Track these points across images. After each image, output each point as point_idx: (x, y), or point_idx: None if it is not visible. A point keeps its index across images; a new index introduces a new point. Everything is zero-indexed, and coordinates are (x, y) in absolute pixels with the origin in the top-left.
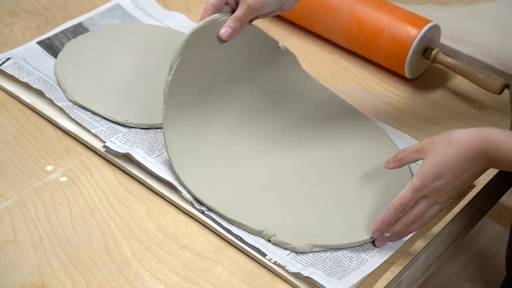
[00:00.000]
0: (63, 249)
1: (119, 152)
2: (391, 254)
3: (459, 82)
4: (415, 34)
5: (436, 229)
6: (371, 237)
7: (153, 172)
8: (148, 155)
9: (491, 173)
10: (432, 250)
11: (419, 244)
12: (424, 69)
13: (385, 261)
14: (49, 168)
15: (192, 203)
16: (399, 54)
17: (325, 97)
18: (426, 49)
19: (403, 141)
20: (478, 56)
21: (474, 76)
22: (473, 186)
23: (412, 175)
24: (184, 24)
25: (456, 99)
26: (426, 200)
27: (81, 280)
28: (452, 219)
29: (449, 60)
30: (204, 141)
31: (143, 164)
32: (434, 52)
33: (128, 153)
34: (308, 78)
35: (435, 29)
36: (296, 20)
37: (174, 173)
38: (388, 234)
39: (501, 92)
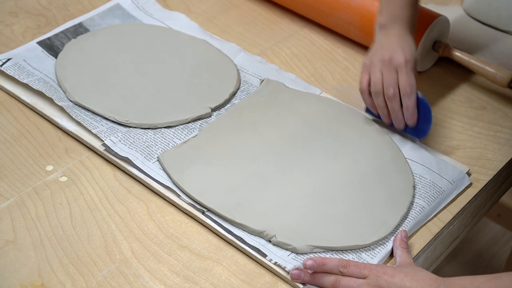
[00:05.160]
0: (63, 249)
1: (118, 154)
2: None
3: (459, 82)
4: (425, 26)
5: (436, 229)
6: (372, 241)
7: (153, 178)
8: (148, 160)
9: (491, 173)
10: (432, 250)
11: (419, 244)
12: (433, 62)
13: (385, 261)
14: (49, 168)
15: (192, 204)
16: None
17: (323, 103)
18: (435, 42)
19: (404, 141)
20: (478, 56)
21: (483, 69)
22: (472, 186)
23: (414, 178)
24: (184, 24)
25: (456, 98)
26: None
27: (81, 280)
28: (452, 218)
29: (457, 53)
30: (201, 144)
31: (142, 170)
32: (443, 45)
33: (127, 158)
34: (301, 93)
35: (445, 23)
36: (304, 12)
37: (173, 180)
38: (308, 273)
39: (509, 85)
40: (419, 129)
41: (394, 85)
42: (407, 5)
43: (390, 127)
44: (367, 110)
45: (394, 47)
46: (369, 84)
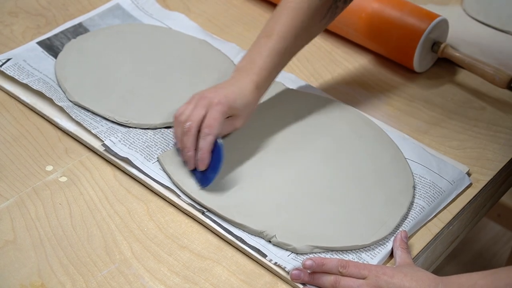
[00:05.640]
0: (63, 249)
1: (118, 155)
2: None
3: (459, 82)
4: (424, 27)
5: (436, 229)
6: (372, 241)
7: (153, 178)
8: (148, 160)
9: (491, 173)
10: (432, 250)
11: (419, 244)
12: (432, 63)
13: (385, 262)
14: (49, 168)
15: (192, 204)
16: (408, 47)
17: (323, 103)
18: (434, 43)
19: (403, 141)
20: (478, 56)
21: (482, 70)
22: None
23: (414, 178)
24: (184, 24)
25: (456, 99)
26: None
27: (81, 280)
28: (452, 218)
29: (457, 54)
30: None
31: (142, 170)
32: (442, 46)
33: (127, 158)
34: (301, 93)
35: (444, 24)
36: None
37: (172, 180)
38: (308, 273)
39: (508, 86)
40: (205, 177)
41: (194, 120)
42: (268, 57)
43: (391, 127)
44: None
45: (223, 89)
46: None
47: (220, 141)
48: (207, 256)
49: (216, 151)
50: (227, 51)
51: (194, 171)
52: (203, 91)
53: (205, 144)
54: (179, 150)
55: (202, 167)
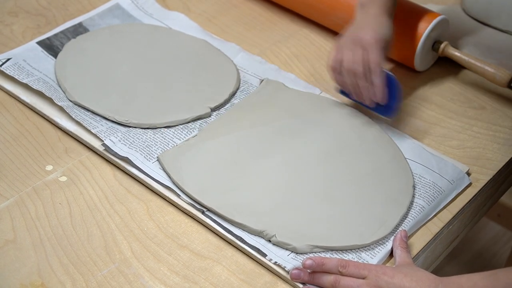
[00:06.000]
0: (63, 249)
1: (118, 154)
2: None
3: (459, 81)
4: (426, 25)
5: (436, 228)
6: (372, 240)
7: (153, 178)
8: (147, 159)
9: (490, 172)
10: (431, 250)
11: (419, 244)
12: (432, 62)
13: (385, 261)
14: (49, 168)
15: (192, 203)
16: (409, 46)
17: (323, 103)
18: (435, 42)
19: (403, 141)
20: (478, 56)
21: (482, 69)
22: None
23: (413, 178)
24: (184, 24)
25: (456, 98)
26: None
27: (81, 279)
28: (452, 218)
29: (457, 53)
30: (201, 144)
31: (142, 170)
32: (442, 45)
33: (127, 157)
34: (301, 93)
35: (445, 23)
36: (304, 12)
37: (172, 180)
38: (308, 273)
39: (508, 85)
40: (388, 108)
41: (361, 63)
42: None
43: (391, 127)
44: (341, 91)
45: (366, 27)
46: (339, 63)
47: (389, 73)
48: (207, 255)
49: (389, 82)
50: (227, 51)
51: (373, 108)
52: (345, 36)
53: (379, 79)
54: (343, 93)
55: (383, 100)
